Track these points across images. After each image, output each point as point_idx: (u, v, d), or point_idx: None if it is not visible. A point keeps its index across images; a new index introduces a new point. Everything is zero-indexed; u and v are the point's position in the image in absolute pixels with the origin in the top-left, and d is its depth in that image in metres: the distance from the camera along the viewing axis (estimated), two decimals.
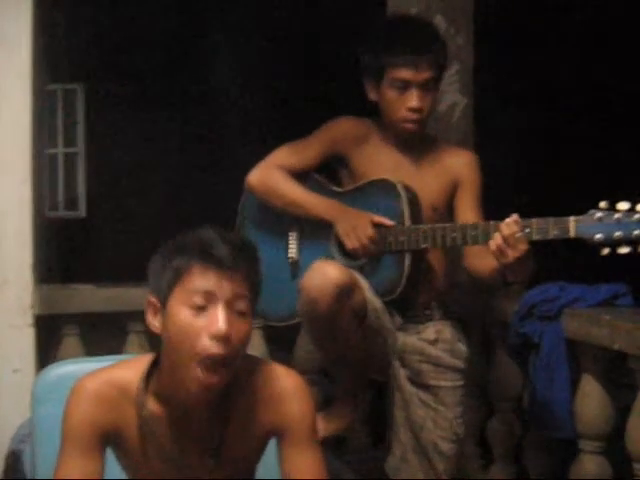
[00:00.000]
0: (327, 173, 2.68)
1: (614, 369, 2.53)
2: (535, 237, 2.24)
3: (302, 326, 2.57)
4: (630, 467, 2.33)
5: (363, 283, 2.43)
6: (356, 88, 2.62)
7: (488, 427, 2.95)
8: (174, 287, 1.62)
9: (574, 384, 2.56)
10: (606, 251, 2.16)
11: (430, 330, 2.59)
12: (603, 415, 2.51)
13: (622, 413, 2.43)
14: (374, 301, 2.44)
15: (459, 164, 2.62)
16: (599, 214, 2.17)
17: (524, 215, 2.27)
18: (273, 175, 2.60)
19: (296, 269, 2.60)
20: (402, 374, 2.55)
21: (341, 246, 2.53)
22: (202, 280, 1.60)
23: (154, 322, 1.68)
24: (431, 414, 2.55)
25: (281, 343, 3.12)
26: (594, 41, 6.59)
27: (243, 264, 1.63)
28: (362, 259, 2.51)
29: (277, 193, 2.60)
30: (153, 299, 1.67)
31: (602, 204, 2.18)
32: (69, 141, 9.29)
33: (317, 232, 2.58)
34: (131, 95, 8.04)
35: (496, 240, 2.27)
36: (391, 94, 2.53)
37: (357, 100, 2.64)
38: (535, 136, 6.94)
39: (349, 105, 2.71)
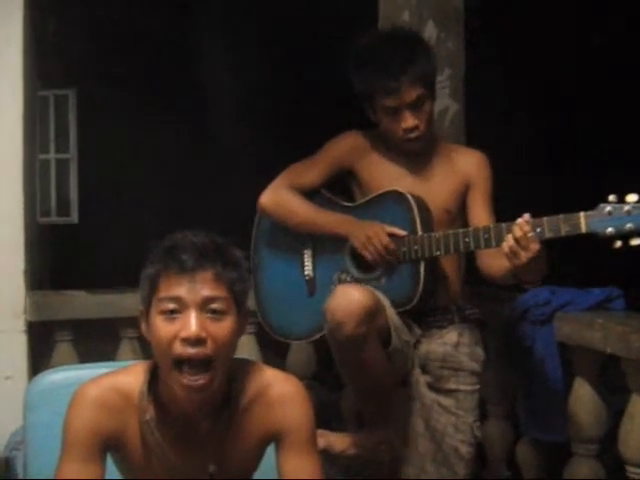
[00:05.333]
0: (339, 187, 2.68)
1: (607, 373, 2.53)
2: (547, 235, 2.24)
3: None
4: (623, 470, 2.33)
5: (385, 302, 2.42)
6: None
7: (482, 430, 2.95)
8: (151, 296, 1.65)
9: (567, 387, 2.57)
10: (619, 244, 2.15)
11: (452, 333, 2.59)
12: (596, 418, 2.52)
13: (615, 416, 2.43)
14: (395, 318, 2.44)
15: (469, 164, 2.61)
16: (609, 208, 2.15)
17: (517, 217, 2.27)
18: (284, 195, 2.61)
19: (312, 286, 2.61)
20: (422, 381, 2.55)
21: (356, 260, 2.53)
22: (170, 287, 1.62)
23: (144, 330, 1.70)
24: (452, 420, 2.54)
25: (275, 349, 3.12)
26: (587, 45, 6.62)
27: (211, 265, 1.63)
28: (378, 271, 2.50)
29: (289, 213, 2.61)
30: (141, 307, 1.69)
31: (611, 197, 2.16)
32: (61, 147, 9.28)
33: (331, 248, 2.58)
34: (123, 101, 8.03)
35: (509, 242, 2.26)
36: (385, 119, 2.54)
37: (358, 102, 2.63)
38: (526, 140, 6.95)
39: (350, 109, 2.70)
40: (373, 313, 2.33)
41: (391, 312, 2.42)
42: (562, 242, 2.23)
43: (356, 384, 2.51)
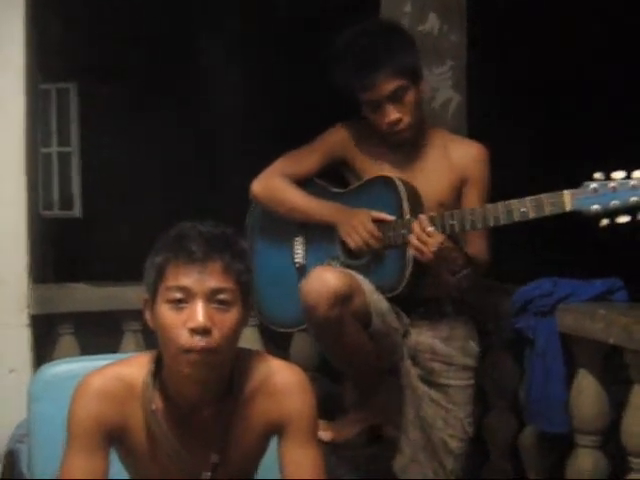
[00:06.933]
0: (335, 177, 2.69)
1: (609, 364, 2.53)
2: (531, 215, 2.23)
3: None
4: (626, 461, 2.33)
5: (366, 286, 2.43)
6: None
7: (484, 423, 2.96)
8: (158, 284, 1.65)
9: (569, 379, 2.57)
10: (605, 222, 2.14)
11: (444, 327, 2.60)
12: (599, 409, 2.52)
13: (618, 407, 2.44)
14: (379, 303, 2.44)
15: (467, 159, 2.61)
16: (594, 185, 2.14)
17: None
18: (275, 183, 2.63)
19: (304, 273, 2.61)
20: (413, 373, 2.56)
21: (345, 247, 2.54)
22: (178, 276, 1.63)
23: (148, 318, 1.71)
24: (441, 413, 2.56)
25: (278, 341, 3.12)
26: (588, 37, 6.60)
27: (220, 256, 1.64)
28: (366, 257, 2.51)
29: (279, 200, 2.62)
30: (146, 296, 1.70)
31: (596, 175, 2.15)
32: (63, 140, 9.28)
33: (321, 235, 2.60)
34: (125, 94, 8.02)
35: (412, 240, 2.36)
36: (369, 114, 2.55)
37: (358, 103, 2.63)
38: (529, 132, 6.94)
39: (349, 108, 2.70)
40: (346, 296, 2.34)
41: (375, 297, 2.43)
42: (566, 233, 2.23)
43: (340, 364, 2.55)
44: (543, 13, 6.50)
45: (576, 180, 2.27)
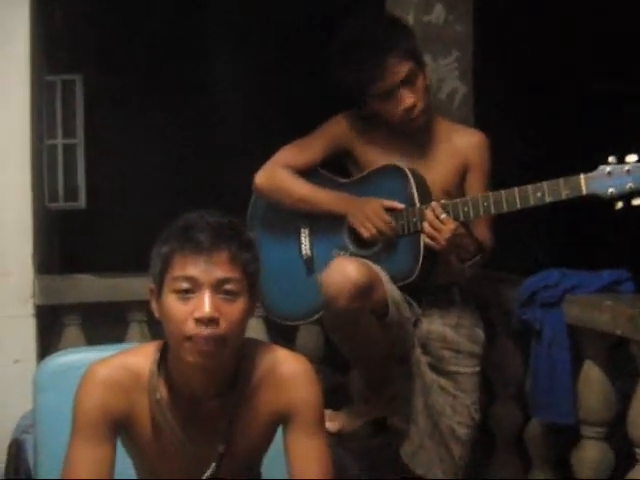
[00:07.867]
0: (337, 167, 2.68)
1: (616, 356, 2.53)
2: (548, 199, 2.26)
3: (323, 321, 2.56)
4: (632, 453, 2.33)
5: (383, 277, 2.42)
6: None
7: (490, 414, 2.96)
8: (164, 274, 1.65)
9: (576, 370, 2.56)
10: (620, 204, 2.17)
11: (453, 315, 2.61)
12: (605, 401, 2.51)
13: (624, 399, 2.43)
14: (394, 293, 2.44)
15: (469, 146, 2.61)
16: (609, 168, 2.17)
17: None
18: (279, 174, 2.61)
19: (311, 265, 2.61)
20: (423, 361, 2.56)
21: (354, 236, 2.54)
22: (184, 266, 1.62)
23: (154, 308, 1.71)
24: (450, 400, 2.56)
25: (283, 333, 3.13)
26: (594, 28, 6.58)
27: (227, 245, 1.63)
28: (376, 246, 2.51)
29: (285, 192, 2.60)
30: (152, 286, 1.69)
31: (610, 158, 2.19)
32: (68, 132, 9.28)
33: (328, 226, 2.58)
34: (130, 86, 8.02)
35: (425, 227, 2.37)
36: (383, 105, 2.53)
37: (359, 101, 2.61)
38: (536, 123, 6.93)
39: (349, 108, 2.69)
40: (367, 288, 2.34)
41: (390, 287, 2.43)
42: (573, 224, 2.24)
43: (352, 355, 2.56)
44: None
45: (580, 168, 2.27)
